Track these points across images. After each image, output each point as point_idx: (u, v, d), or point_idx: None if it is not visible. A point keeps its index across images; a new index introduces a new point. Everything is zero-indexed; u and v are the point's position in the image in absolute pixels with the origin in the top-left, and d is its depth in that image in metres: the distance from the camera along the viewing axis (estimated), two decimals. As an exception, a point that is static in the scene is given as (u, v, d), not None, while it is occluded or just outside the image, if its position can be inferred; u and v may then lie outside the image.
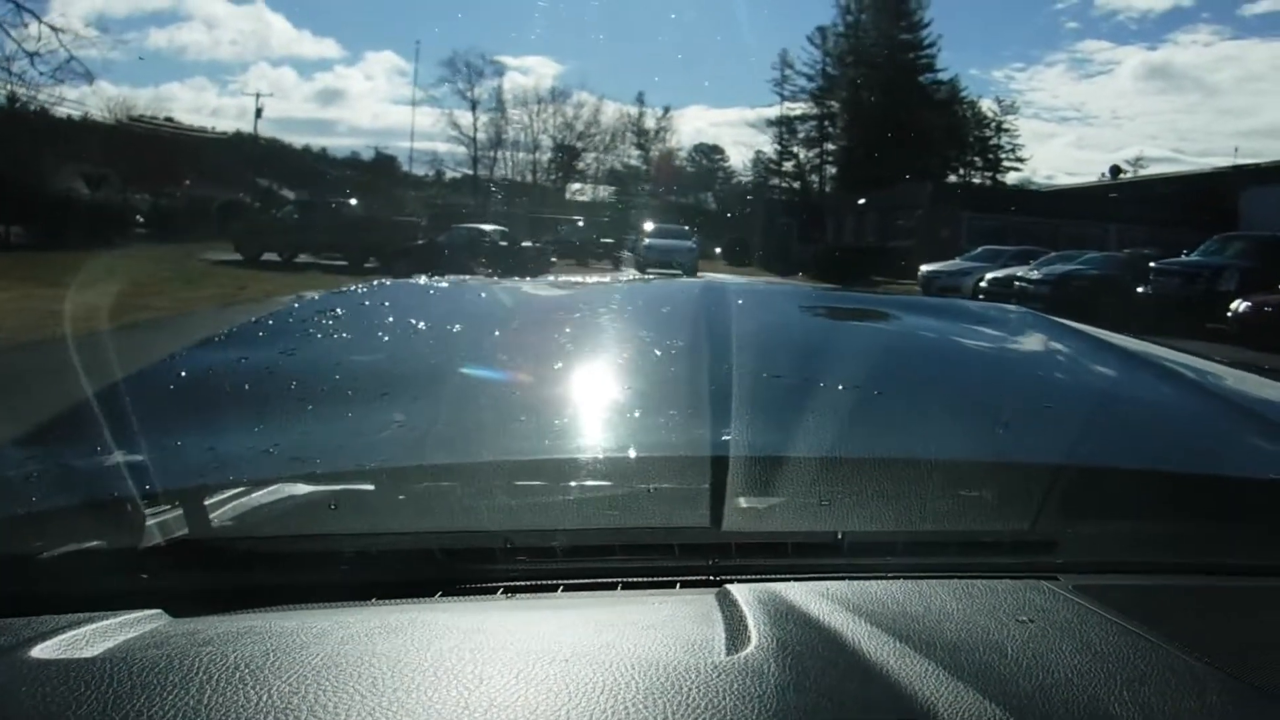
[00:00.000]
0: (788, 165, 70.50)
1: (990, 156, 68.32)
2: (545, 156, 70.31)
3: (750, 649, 0.75)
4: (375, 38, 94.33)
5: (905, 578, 0.93)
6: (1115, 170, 36.54)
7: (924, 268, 26.81)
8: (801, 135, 69.78)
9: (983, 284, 23.40)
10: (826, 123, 68.07)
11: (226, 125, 74.00)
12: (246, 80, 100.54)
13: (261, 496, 1.03)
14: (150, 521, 0.94)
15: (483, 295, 2.10)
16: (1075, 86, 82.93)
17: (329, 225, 28.11)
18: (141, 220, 37.76)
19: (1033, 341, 1.88)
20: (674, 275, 23.58)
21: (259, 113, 60.79)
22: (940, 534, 1.06)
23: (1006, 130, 68.73)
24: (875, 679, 0.71)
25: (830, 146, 68.44)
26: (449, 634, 0.77)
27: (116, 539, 0.93)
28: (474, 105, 67.92)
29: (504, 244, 25.85)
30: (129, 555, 0.91)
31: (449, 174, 70.44)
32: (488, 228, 27.70)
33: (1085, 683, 0.73)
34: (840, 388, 1.31)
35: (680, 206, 59.82)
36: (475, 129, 68.25)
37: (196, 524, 0.95)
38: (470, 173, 69.49)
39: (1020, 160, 67.91)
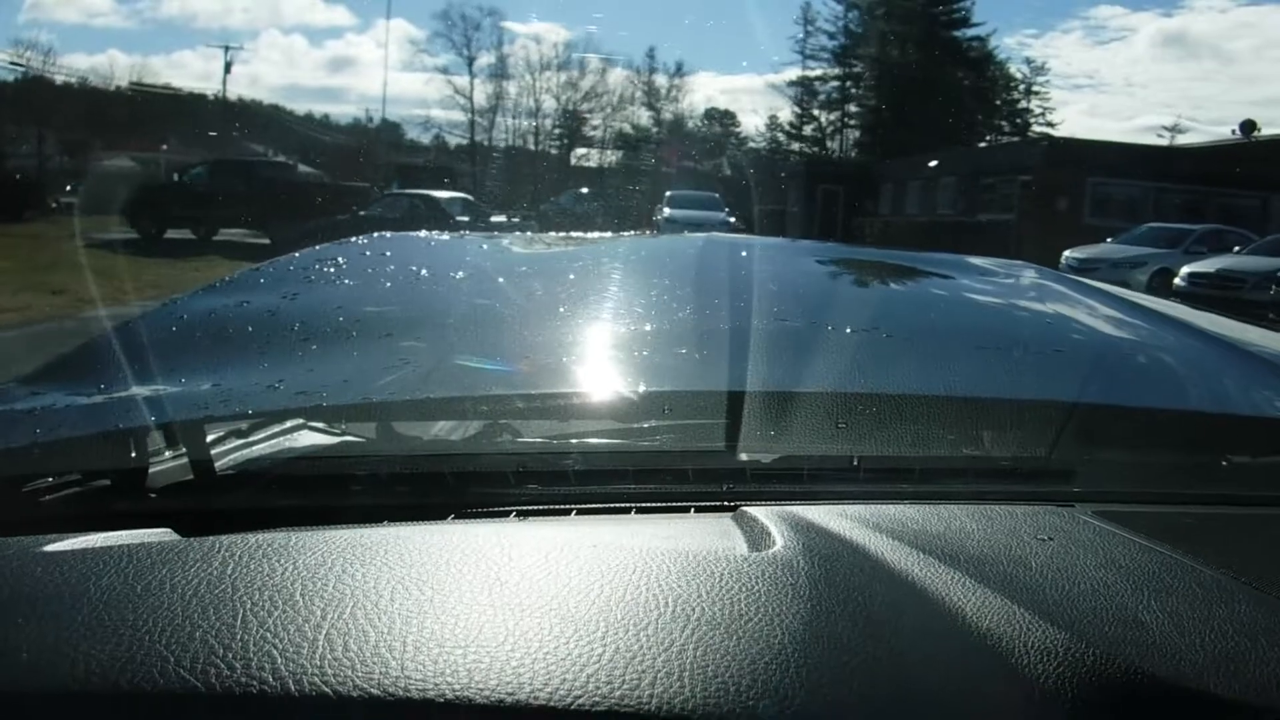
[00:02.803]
0: (808, 129, 62.60)
1: (1019, 120, 61.07)
2: (548, 120, 61.59)
3: (777, 548, 0.72)
4: (385, 5, 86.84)
5: (923, 502, 0.89)
6: (1248, 126, 27.49)
7: (1071, 253, 18.26)
8: (822, 97, 62.30)
9: (1179, 281, 14.82)
10: (849, 83, 60.27)
11: (237, 92, 68.04)
12: (257, 48, 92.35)
13: (270, 429, 1.02)
14: (161, 450, 0.93)
15: (485, 247, 2.00)
16: (1089, 54, 75.91)
17: (250, 193, 19.99)
18: (70, 190, 30.06)
19: (1049, 292, 1.81)
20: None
21: (228, 67, 51.88)
22: (958, 459, 1.04)
23: (1036, 93, 61.07)
24: (900, 584, 0.69)
25: (853, 108, 60.70)
26: (463, 547, 0.71)
27: (124, 465, 0.92)
28: (470, 62, 59.13)
29: (463, 218, 17.60)
30: (137, 476, 0.90)
31: (449, 140, 61.84)
32: (441, 195, 19.06)
33: (1112, 594, 0.70)
34: (858, 330, 1.30)
35: (696, 173, 51.13)
36: (471, 88, 59.45)
37: (204, 451, 0.93)
38: (466, 140, 60.97)
39: (1050, 125, 59.91)
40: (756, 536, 0.77)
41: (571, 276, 1.65)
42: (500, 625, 0.58)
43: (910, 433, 1.06)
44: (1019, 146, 27.04)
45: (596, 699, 0.52)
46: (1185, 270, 15.14)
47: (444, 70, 59.55)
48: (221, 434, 1.00)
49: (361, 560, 0.66)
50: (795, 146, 61.87)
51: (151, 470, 0.91)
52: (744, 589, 0.64)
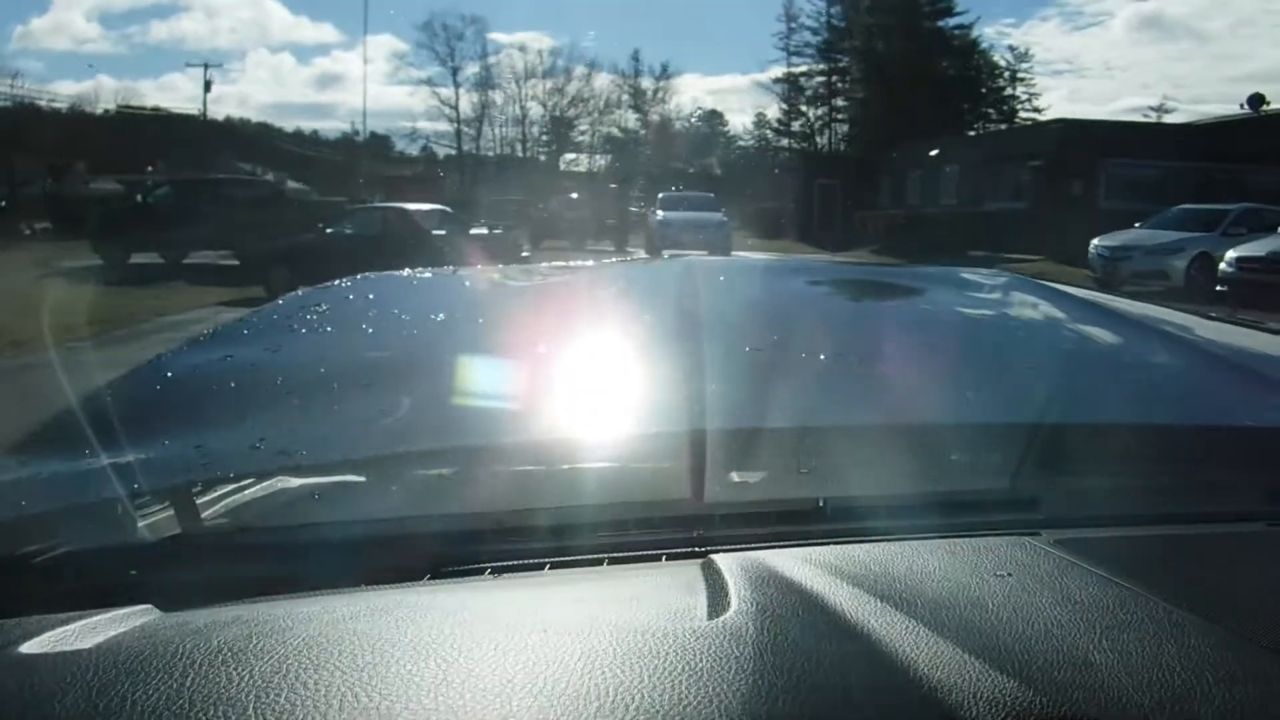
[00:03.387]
0: (796, 125, 61.43)
1: (1005, 108, 59.98)
2: (535, 127, 60.18)
3: (730, 613, 0.73)
4: (372, 21, 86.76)
5: (889, 540, 0.90)
6: (1257, 100, 26.11)
7: (1100, 242, 16.87)
8: (809, 92, 61.18)
9: (1226, 267, 13.48)
10: (835, 78, 59.14)
11: (225, 112, 68.00)
12: (245, 68, 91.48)
13: (251, 491, 1.02)
14: (140, 520, 0.93)
15: (465, 287, 2.01)
16: (1068, 39, 77.69)
17: (217, 211, 18.62)
18: (50, 215, 28.97)
19: (1013, 302, 1.81)
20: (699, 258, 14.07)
21: (207, 86, 50.53)
22: (922, 496, 1.02)
23: (1021, 79, 59.83)
24: (854, 638, 0.69)
25: (840, 102, 59.65)
26: (432, 613, 0.74)
27: (107, 538, 0.92)
28: (454, 71, 57.80)
29: (439, 231, 15.77)
30: (119, 553, 0.90)
31: (439, 150, 60.41)
32: (414, 208, 16.67)
33: (1065, 633, 0.71)
34: (816, 357, 1.31)
35: (687, 175, 49.72)
36: (456, 98, 58.06)
37: (185, 520, 0.94)
38: (454, 150, 59.53)
39: (1037, 111, 58.79)
40: (716, 595, 0.77)
41: (542, 315, 1.66)
42: (457, 700, 0.60)
43: (875, 468, 1.06)
44: (1029, 130, 25.58)
45: None
46: (1231, 255, 13.76)
47: (429, 82, 58.61)
48: (204, 498, 0.98)
49: (323, 635, 0.69)
50: (784, 143, 61.27)
51: (134, 541, 0.90)
52: (688, 669, 0.64)
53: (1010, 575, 0.81)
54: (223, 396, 1.24)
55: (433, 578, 0.88)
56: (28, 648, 0.70)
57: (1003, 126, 55.60)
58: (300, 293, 1.72)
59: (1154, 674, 0.65)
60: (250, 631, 0.69)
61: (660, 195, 27.45)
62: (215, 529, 0.96)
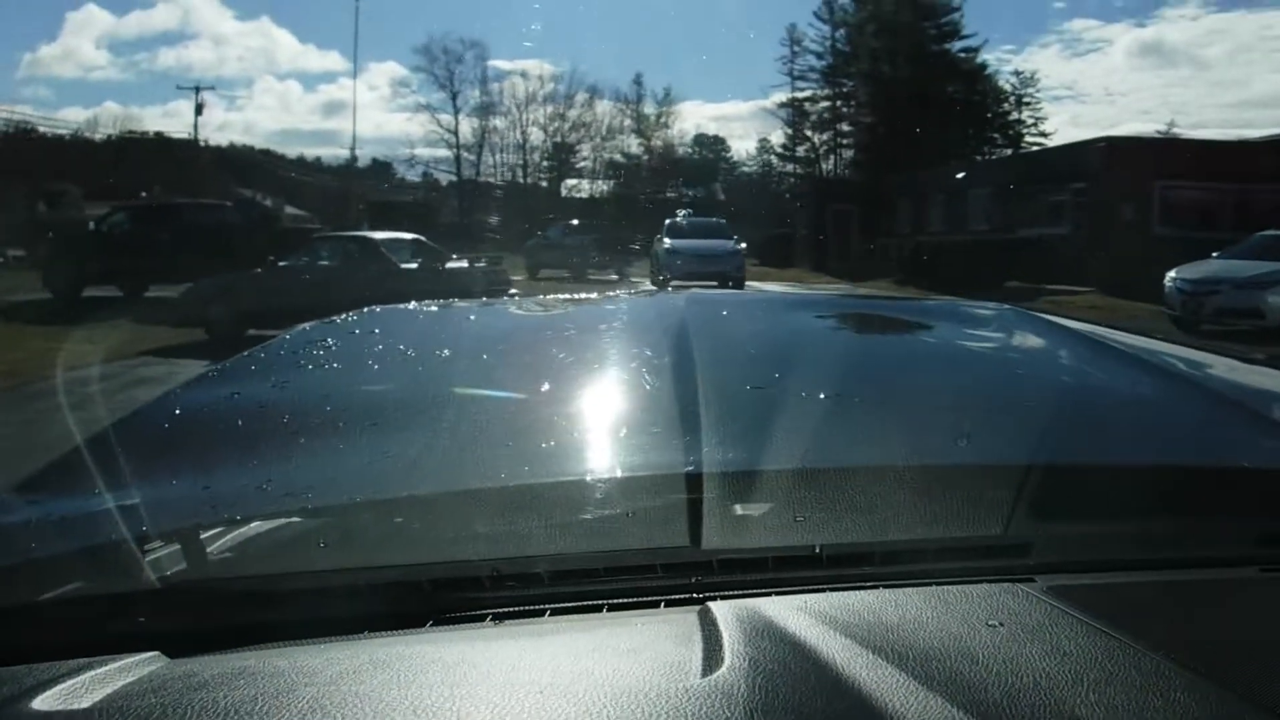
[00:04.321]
0: (801, 150, 59.62)
1: (1010, 132, 58.16)
2: (536, 153, 58.21)
3: (723, 669, 0.74)
4: (378, 49, 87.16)
5: (884, 586, 0.90)
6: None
7: (1179, 273, 14.54)
8: (813, 118, 59.40)
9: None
10: (839, 102, 57.48)
11: (229, 139, 67.03)
12: (252, 95, 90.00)
13: (256, 533, 1.01)
14: (146, 563, 0.92)
15: (469, 320, 2.04)
16: (1068, 65, 74.84)
17: (175, 240, 16.58)
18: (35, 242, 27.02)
19: (1011, 339, 1.77)
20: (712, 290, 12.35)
21: (199, 109, 48.62)
22: (916, 542, 1.02)
23: (1027, 103, 57.83)
24: (845, 693, 0.70)
25: (845, 127, 57.89)
26: (432, 668, 0.75)
27: (113, 583, 0.91)
28: (454, 96, 55.80)
29: (409, 264, 13.27)
30: (126, 599, 0.89)
31: (441, 177, 58.47)
32: (379, 237, 14.00)
33: (1052, 685, 0.71)
34: (811, 397, 1.29)
35: (694, 200, 47.62)
36: (456, 123, 56.08)
37: (191, 564, 0.93)
38: (454, 176, 57.55)
39: (1044, 135, 56.97)
40: (711, 648, 0.78)
41: (535, 355, 1.62)
42: None
43: (871, 513, 1.06)
44: (1069, 150, 23.04)
45: None
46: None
47: (428, 106, 56.61)
48: (210, 541, 0.98)
49: (328, 683, 0.71)
50: (789, 168, 59.64)
51: (141, 586, 0.90)
52: None
53: (1002, 625, 0.82)
54: (229, 435, 1.24)
55: (434, 624, 0.88)
56: (39, 703, 0.71)
57: (1008, 152, 54.00)
58: (306, 327, 1.73)
59: None
60: (257, 692, 0.70)
61: (667, 221, 25.02)
62: (219, 574, 0.96)
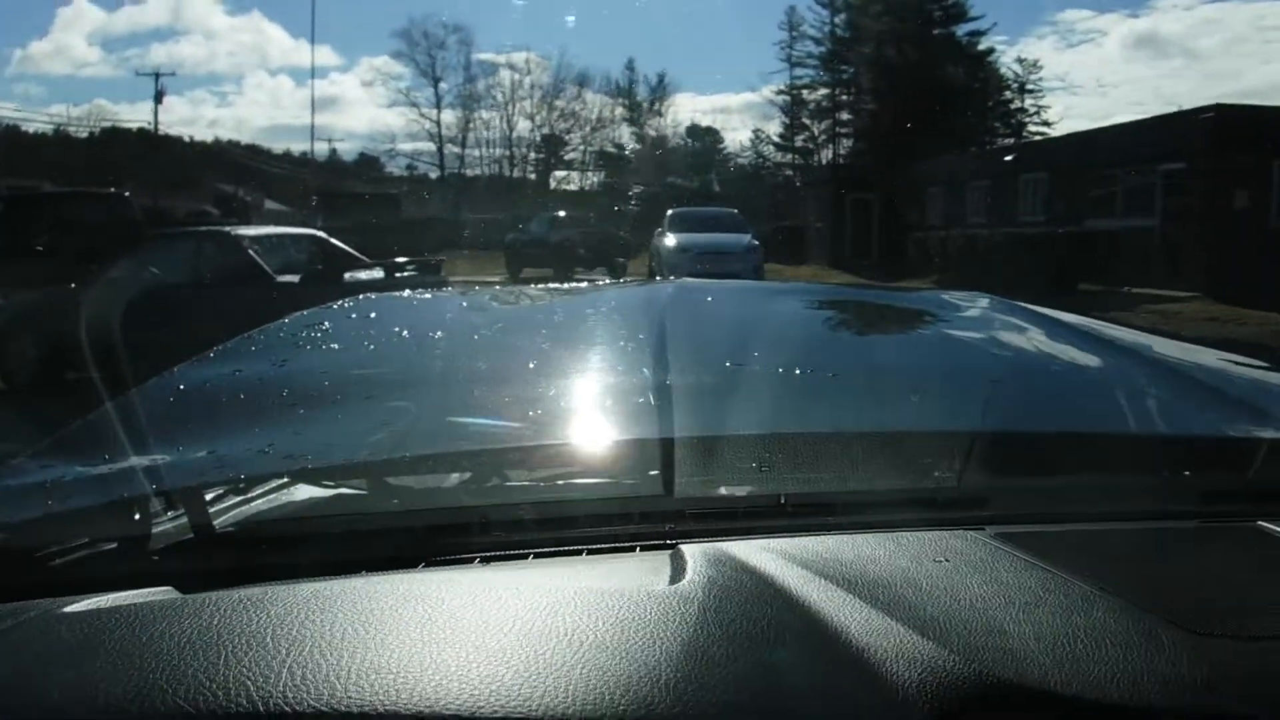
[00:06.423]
0: (799, 140, 55.78)
1: (1013, 120, 54.44)
2: (523, 145, 53.95)
3: (684, 582, 0.79)
4: (371, 45, 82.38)
5: (845, 532, 0.94)
6: None
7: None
8: (811, 106, 55.54)
9: None
10: (839, 90, 53.76)
11: (222, 135, 65.46)
12: (243, 91, 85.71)
13: (262, 491, 1.06)
14: (160, 514, 0.97)
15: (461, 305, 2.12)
16: (1061, 57, 71.79)
17: (65, 239, 12.42)
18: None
19: (976, 320, 1.83)
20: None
21: (158, 98, 44.33)
22: (877, 494, 1.08)
23: (1031, 91, 54.34)
24: (793, 606, 0.75)
25: (845, 115, 54.13)
26: (423, 600, 0.78)
27: (130, 531, 0.96)
28: (436, 83, 51.46)
29: (288, 276, 8.61)
30: (141, 543, 0.94)
31: (429, 170, 54.39)
32: (252, 234, 9.44)
33: (986, 606, 0.76)
34: (785, 373, 1.34)
35: (687, 191, 43.57)
36: (439, 112, 51.77)
37: (201, 515, 0.97)
38: (437, 166, 53.43)
39: (1047, 124, 53.19)
40: (678, 573, 0.82)
41: (523, 334, 1.69)
42: (428, 657, 0.68)
43: (834, 468, 1.13)
44: (1159, 124, 18.13)
45: (495, 710, 0.62)
46: None
47: (408, 97, 52.37)
48: (217, 496, 1.03)
49: (323, 608, 0.75)
50: (788, 158, 55.94)
51: (154, 533, 0.96)
52: (637, 619, 0.72)
53: (947, 561, 0.85)
54: (234, 406, 1.28)
55: (426, 567, 0.91)
56: (71, 609, 0.78)
57: (1009, 140, 50.24)
58: (305, 313, 1.73)
59: (1059, 640, 0.71)
60: (264, 617, 0.73)
61: (670, 212, 20.62)
62: (229, 522, 0.99)
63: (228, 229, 10.29)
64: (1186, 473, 1.20)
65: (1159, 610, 0.75)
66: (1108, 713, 0.65)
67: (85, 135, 51.97)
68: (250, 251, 8.60)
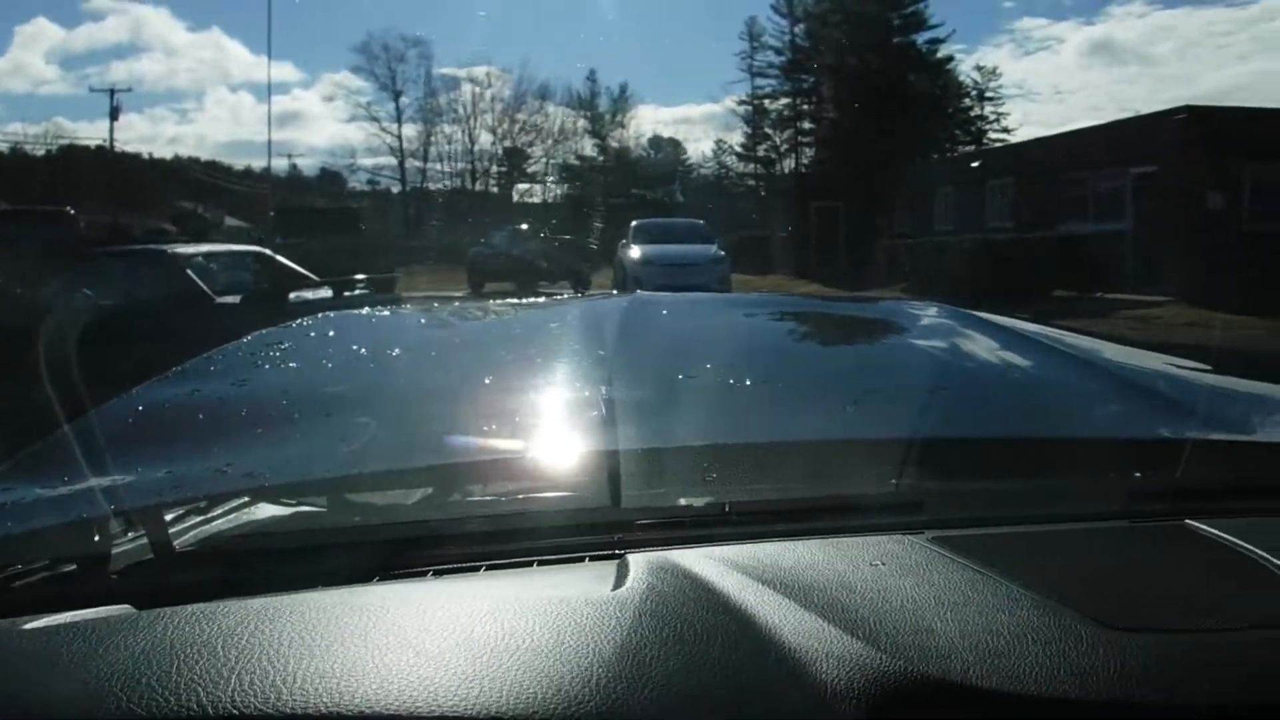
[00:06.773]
0: (761, 149, 55.60)
1: (972, 128, 54.66)
2: (485, 158, 53.16)
3: (623, 589, 0.81)
4: (332, 60, 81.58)
5: (789, 539, 0.95)
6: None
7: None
8: (773, 115, 55.43)
9: None
10: (800, 99, 53.77)
11: (182, 152, 64.49)
12: (204, 107, 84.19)
13: (223, 510, 1.07)
14: (120, 535, 0.98)
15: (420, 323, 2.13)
16: (1017, 64, 72.46)
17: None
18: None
19: (919, 329, 1.83)
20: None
21: (114, 114, 43.18)
22: (819, 499, 1.09)
23: (990, 98, 55.00)
24: (729, 609, 0.77)
25: (807, 125, 54.05)
26: (376, 612, 0.80)
27: (90, 551, 0.96)
28: (396, 96, 50.58)
29: (230, 299, 7.59)
30: (102, 562, 0.95)
31: (391, 185, 53.46)
32: (190, 252, 8.53)
33: (916, 607, 0.78)
34: (731, 385, 1.37)
35: (650, 203, 43.14)
36: (400, 125, 50.90)
37: (161, 534, 0.98)
38: (399, 181, 52.51)
39: (1006, 131, 53.53)
40: (620, 581, 0.83)
41: (479, 350, 1.72)
42: (370, 663, 0.70)
43: (778, 477, 1.14)
44: (1131, 126, 17.59)
45: (431, 710, 0.65)
46: None
47: (367, 109, 51.34)
48: (177, 516, 1.03)
49: (272, 620, 0.76)
50: (751, 168, 55.72)
51: (114, 553, 0.96)
52: (575, 625, 0.74)
53: (883, 565, 0.87)
54: (192, 426, 1.27)
55: (380, 580, 0.92)
56: (30, 626, 0.79)
57: (970, 147, 50.25)
58: (264, 332, 1.72)
59: (983, 637, 0.73)
60: (218, 631, 0.74)
61: (634, 223, 20.11)
62: (187, 541, 1.00)
63: (164, 248, 9.51)
64: (1118, 474, 1.23)
65: (1083, 607, 0.77)
66: (1026, 705, 0.68)
67: (42, 153, 51.74)
68: (188, 271, 7.92)
